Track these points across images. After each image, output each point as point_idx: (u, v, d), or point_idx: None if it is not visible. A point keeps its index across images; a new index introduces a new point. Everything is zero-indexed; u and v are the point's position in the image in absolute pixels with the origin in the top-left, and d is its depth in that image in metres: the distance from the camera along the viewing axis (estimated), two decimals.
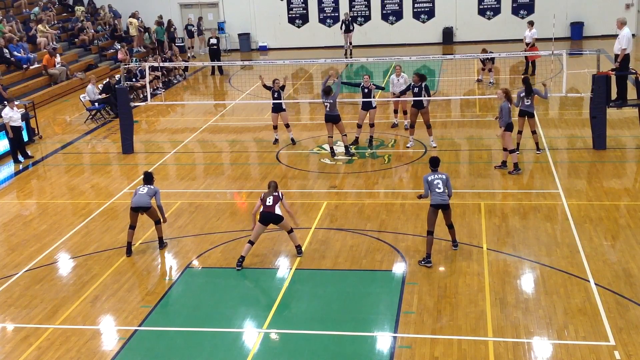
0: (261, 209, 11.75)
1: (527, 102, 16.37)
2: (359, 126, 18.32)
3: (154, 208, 12.47)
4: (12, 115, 18.53)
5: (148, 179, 12.67)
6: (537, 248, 12.03)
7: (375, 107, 18.19)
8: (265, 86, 18.65)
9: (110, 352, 9.63)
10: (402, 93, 18.27)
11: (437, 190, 11.42)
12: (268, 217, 11.71)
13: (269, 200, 11.72)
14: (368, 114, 18.08)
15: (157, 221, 12.65)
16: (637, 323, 9.61)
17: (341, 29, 32.52)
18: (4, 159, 18.91)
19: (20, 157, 18.67)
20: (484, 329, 9.66)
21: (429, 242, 11.53)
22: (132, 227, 12.46)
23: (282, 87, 18.44)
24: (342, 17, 33.02)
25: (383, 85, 20.49)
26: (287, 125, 18.62)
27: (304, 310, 10.56)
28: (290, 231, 12.00)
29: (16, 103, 19.54)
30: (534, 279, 11.03)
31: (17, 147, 18.74)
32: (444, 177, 11.54)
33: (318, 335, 9.89)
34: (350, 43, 32.11)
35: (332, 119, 17.13)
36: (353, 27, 32.69)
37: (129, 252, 12.54)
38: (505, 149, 15.77)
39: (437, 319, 9.98)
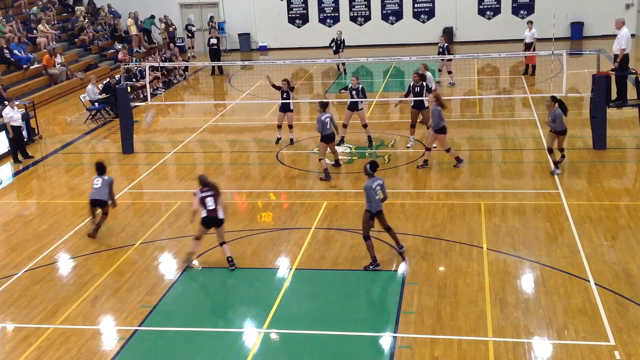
0: (204, 214, 11.64)
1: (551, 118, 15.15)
2: (345, 126, 18.38)
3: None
4: (13, 115, 18.54)
5: (101, 169, 12.85)
6: (537, 248, 12.03)
7: (362, 109, 18.21)
8: (274, 86, 18.66)
9: (110, 352, 9.63)
10: (406, 95, 18.19)
11: (376, 197, 11.39)
12: (211, 222, 11.68)
13: (211, 203, 11.60)
14: (358, 115, 18.10)
15: (105, 213, 13.27)
16: (637, 323, 9.61)
17: (330, 47, 29.17)
18: (4, 159, 18.93)
19: (20, 157, 18.68)
20: (484, 329, 9.66)
21: (370, 246, 11.48)
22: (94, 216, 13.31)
23: (292, 88, 18.52)
24: (335, 36, 29.19)
25: (366, 96, 19.73)
26: (291, 127, 18.68)
27: (304, 310, 10.56)
28: (222, 243, 11.84)
29: (16, 103, 19.55)
30: (534, 279, 11.03)
31: (18, 147, 18.75)
32: (381, 182, 11.50)
33: (318, 335, 9.89)
34: (343, 63, 28.33)
35: (328, 138, 15.74)
36: (343, 48, 28.94)
37: (94, 234, 13.24)
38: (428, 149, 15.95)
39: (437, 319, 9.99)
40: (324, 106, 15.70)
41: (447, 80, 24.45)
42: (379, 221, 11.59)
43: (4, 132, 19.03)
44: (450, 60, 24.43)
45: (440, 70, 25.15)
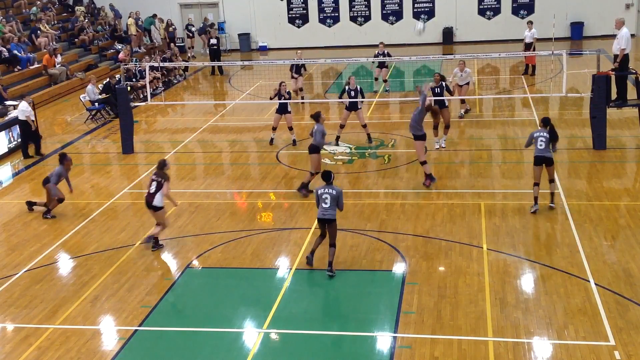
0: (146, 193, 12.52)
1: (541, 145, 13.29)
2: (342, 126, 18.39)
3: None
4: (30, 110, 18.81)
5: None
6: (537, 248, 12.03)
7: (361, 109, 18.21)
8: (273, 96, 18.49)
9: (110, 352, 9.63)
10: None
11: (323, 204, 11.37)
12: (148, 204, 12.50)
13: (152, 186, 12.38)
14: (357, 116, 18.09)
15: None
16: (637, 323, 9.62)
17: (291, 70, 23.42)
18: (4, 158, 18.94)
19: (30, 153, 18.95)
20: (484, 329, 9.66)
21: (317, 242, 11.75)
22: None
23: (289, 93, 18.43)
24: (295, 57, 24.16)
25: (365, 96, 19.50)
26: (291, 128, 18.63)
27: (304, 310, 10.56)
28: (158, 224, 12.58)
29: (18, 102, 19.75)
30: (534, 279, 11.03)
31: (34, 142, 19.05)
32: (334, 192, 11.34)
33: (318, 335, 9.90)
34: (301, 89, 23.69)
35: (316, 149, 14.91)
36: (305, 70, 25.79)
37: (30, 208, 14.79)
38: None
39: (437, 319, 9.99)
40: (315, 117, 14.84)
41: (384, 87, 24.44)
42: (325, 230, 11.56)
43: (5, 130, 19.11)
44: (387, 66, 24.22)
45: (376, 79, 24.88)
